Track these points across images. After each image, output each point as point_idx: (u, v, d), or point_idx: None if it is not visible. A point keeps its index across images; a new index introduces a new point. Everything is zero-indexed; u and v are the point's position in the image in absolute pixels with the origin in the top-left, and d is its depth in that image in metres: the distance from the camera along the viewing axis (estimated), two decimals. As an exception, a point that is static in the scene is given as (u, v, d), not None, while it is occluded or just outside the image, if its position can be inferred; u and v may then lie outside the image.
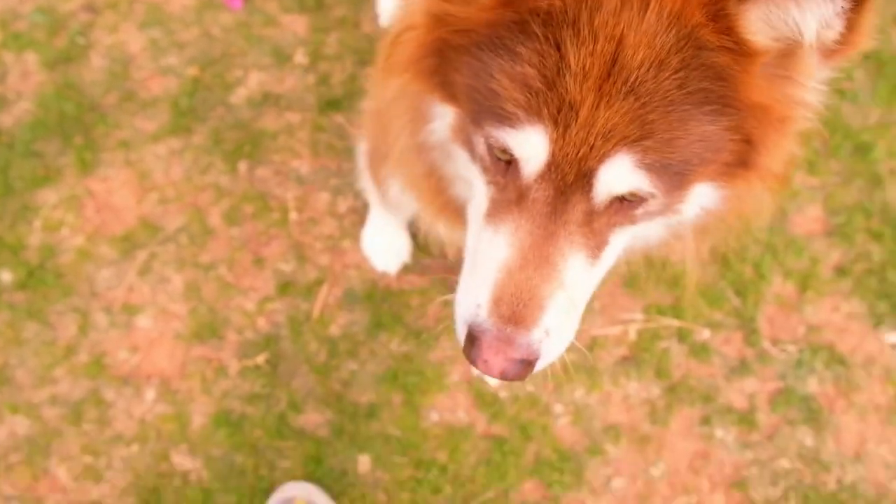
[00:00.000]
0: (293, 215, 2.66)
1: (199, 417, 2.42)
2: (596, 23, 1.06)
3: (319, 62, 2.90)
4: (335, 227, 2.66)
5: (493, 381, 2.53)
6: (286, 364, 2.49)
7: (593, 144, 1.10)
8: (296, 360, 2.49)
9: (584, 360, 2.57)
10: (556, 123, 1.10)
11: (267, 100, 2.82)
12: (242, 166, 2.72)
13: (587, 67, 1.07)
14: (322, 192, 2.70)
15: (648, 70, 1.07)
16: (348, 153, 2.75)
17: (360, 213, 2.68)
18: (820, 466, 2.51)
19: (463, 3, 1.15)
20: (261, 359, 2.48)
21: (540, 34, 1.08)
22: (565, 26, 1.07)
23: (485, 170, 1.25)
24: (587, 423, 2.51)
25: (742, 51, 1.09)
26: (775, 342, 2.64)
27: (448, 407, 2.50)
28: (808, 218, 2.83)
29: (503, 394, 2.52)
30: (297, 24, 2.97)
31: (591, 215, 1.19)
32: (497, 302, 1.21)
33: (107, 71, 2.84)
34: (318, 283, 2.58)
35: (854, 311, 2.70)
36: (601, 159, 1.11)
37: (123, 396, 2.42)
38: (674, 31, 1.07)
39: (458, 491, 2.43)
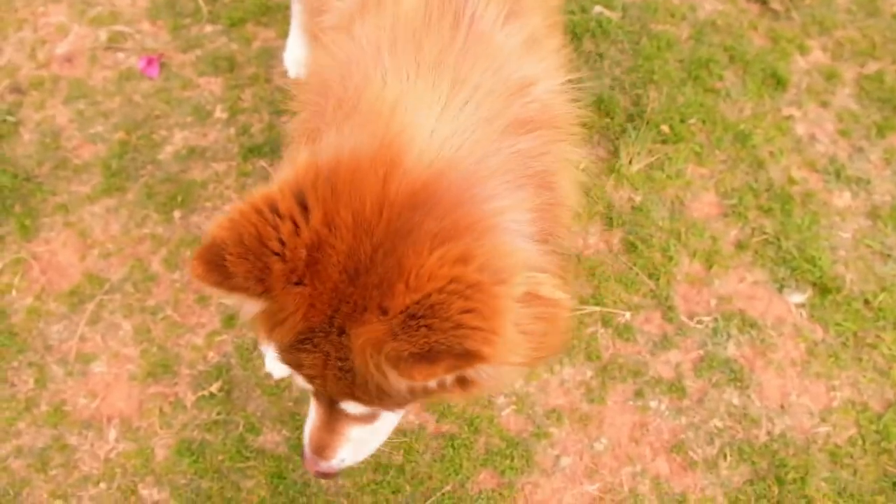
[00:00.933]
0: (231, 254, 2.82)
1: (161, 450, 2.51)
2: (314, 342, 1.47)
3: (238, 115, 3.12)
4: (273, 260, 2.83)
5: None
6: (239, 390, 2.61)
7: (330, 396, 1.63)
8: (248, 385, 2.62)
9: (519, 353, 2.75)
10: (308, 382, 1.61)
11: (193, 153, 3.02)
12: (177, 215, 2.89)
13: (313, 367, 1.53)
14: (257, 229, 2.88)
15: (344, 371, 1.50)
16: (278, 193, 2.94)
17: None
18: (750, 422, 2.71)
19: None
20: (215, 388, 2.60)
21: (291, 350, 1.53)
22: (302, 346, 1.49)
23: None
24: (530, 410, 2.68)
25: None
26: (691, 316, 2.88)
27: (398, 412, 2.65)
28: (704, 203, 3.12)
29: (448, 393, 2.68)
30: (213, 85, 3.20)
31: (350, 414, 1.69)
32: (309, 442, 1.80)
33: (38, 143, 3.00)
34: (262, 311, 2.73)
35: (758, 279, 2.96)
36: (338, 400, 1.64)
37: (86, 439, 2.51)
38: (353, 354, 1.45)
39: (418, 488, 2.56)
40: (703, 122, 3.30)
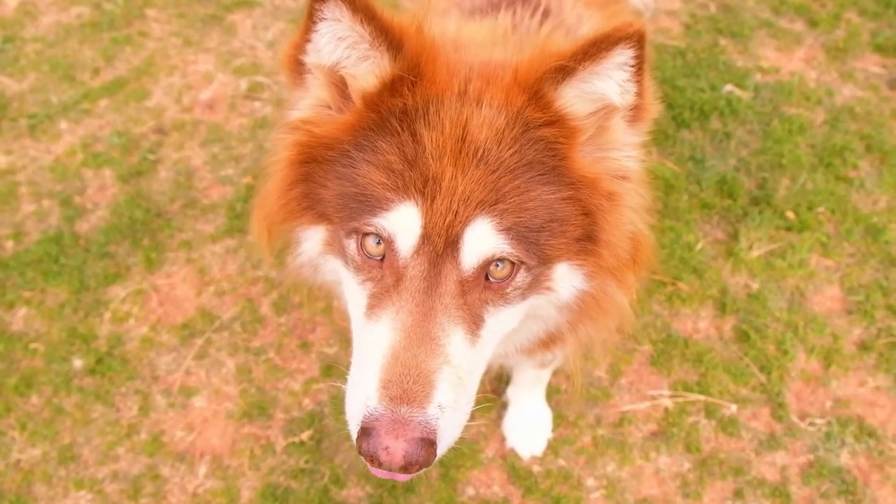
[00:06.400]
0: (336, 303, 2.88)
1: (247, 492, 2.55)
2: (442, 114, 1.34)
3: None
4: (375, 314, 2.86)
5: (525, 455, 2.63)
6: (329, 440, 2.64)
7: (457, 211, 1.30)
8: (338, 437, 2.64)
9: (613, 435, 2.66)
10: (423, 196, 1.31)
11: (314, 203, 3.11)
12: (290, 260, 2.98)
13: (441, 145, 1.32)
14: (363, 282, 2.93)
15: (491, 144, 1.32)
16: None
17: (398, 300, 2.89)
18: (858, 540, 2.51)
19: (326, 121, 1.42)
20: (305, 435, 2.63)
21: (398, 127, 1.34)
22: (418, 118, 1.34)
23: (358, 271, 1.41)
24: (620, 497, 2.58)
25: (564, 125, 1.36)
26: (803, 416, 2.71)
27: (483, 482, 2.60)
28: (827, 297, 2.95)
29: (536, 468, 2.61)
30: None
31: (462, 286, 1.35)
32: (386, 385, 1.26)
33: (172, 182, 3.19)
34: (360, 364, 2.76)
35: (880, 384, 2.76)
36: (465, 223, 1.31)
37: (178, 472, 2.58)
38: (504, 115, 1.34)
39: (495, 564, 2.49)
40: (833, 211, 3.14)
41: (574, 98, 1.35)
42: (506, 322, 1.45)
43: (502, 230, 1.32)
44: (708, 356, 2.82)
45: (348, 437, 2.59)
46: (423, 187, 1.30)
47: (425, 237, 1.32)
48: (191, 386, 2.74)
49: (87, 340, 2.81)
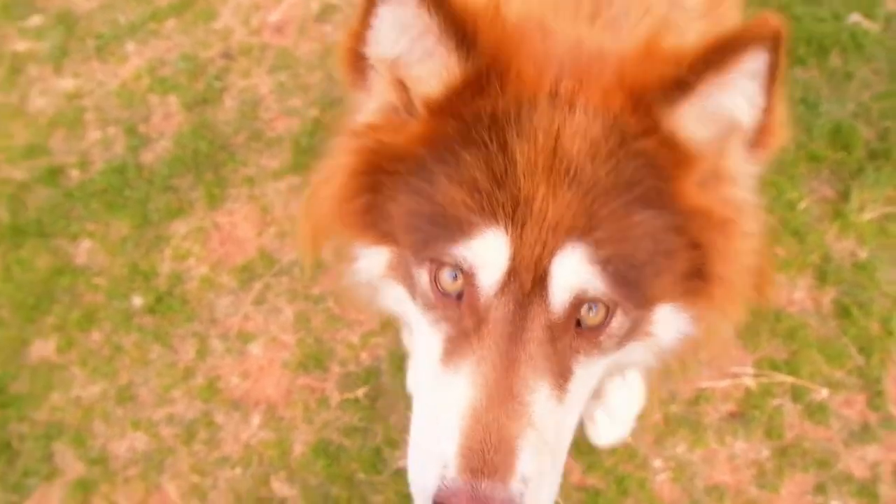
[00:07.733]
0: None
1: (299, 446, 2.51)
2: (535, 121, 1.10)
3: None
4: (440, 266, 2.71)
5: (598, 442, 2.46)
6: (385, 399, 2.54)
7: (546, 241, 1.09)
8: (394, 396, 2.54)
9: (687, 413, 2.47)
10: (513, 222, 1.10)
11: (382, 140, 2.93)
12: (345, 278, 2.82)
13: (534, 160, 1.09)
14: (429, 231, 2.77)
15: (584, 158, 1.09)
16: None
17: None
18: (952, 549, 2.29)
19: (398, 127, 1.19)
20: (361, 392, 2.55)
21: (485, 137, 1.11)
22: (508, 126, 1.10)
23: (429, 308, 1.21)
24: (688, 482, 2.41)
25: (675, 148, 1.12)
26: (904, 407, 2.45)
27: (543, 452, 2.47)
28: (947, 273, 2.62)
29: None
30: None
31: (551, 331, 1.14)
32: (467, 453, 1.08)
33: (238, 111, 3.05)
34: (420, 320, 2.63)
35: None
36: (552, 253, 1.09)
37: (232, 420, 2.56)
38: (599, 121, 1.10)
39: (550, 539, 2.39)
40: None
41: (694, 120, 1.11)
42: (596, 374, 1.26)
43: (597, 262, 1.11)
44: (801, 332, 2.56)
45: (404, 397, 2.51)
46: (512, 211, 1.10)
47: (512, 272, 1.12)
48: (248, 332, 2.68)
49: (147, 278, 2.77)
